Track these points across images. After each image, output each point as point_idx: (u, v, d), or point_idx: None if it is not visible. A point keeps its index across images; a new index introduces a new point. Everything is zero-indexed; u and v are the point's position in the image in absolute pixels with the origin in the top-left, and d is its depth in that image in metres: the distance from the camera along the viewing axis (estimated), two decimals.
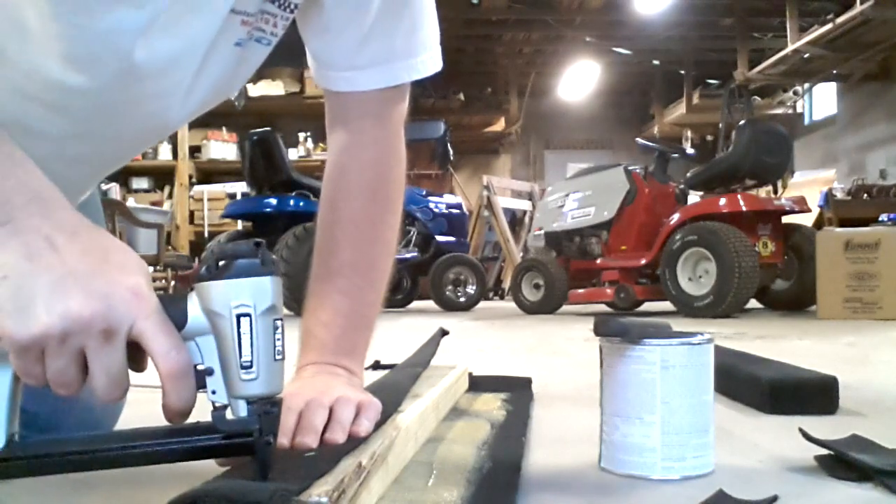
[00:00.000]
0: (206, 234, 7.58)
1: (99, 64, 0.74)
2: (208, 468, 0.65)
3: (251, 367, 0.55)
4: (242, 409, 0.56)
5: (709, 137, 11.55)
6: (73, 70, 0.74)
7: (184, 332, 0.56)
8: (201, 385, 0.56)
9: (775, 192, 4.80)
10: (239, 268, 0.55)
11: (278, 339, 0.56)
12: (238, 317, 0.54)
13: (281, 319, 0.57)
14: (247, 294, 0.54)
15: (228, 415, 0.57)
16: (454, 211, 6.08)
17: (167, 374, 0.54)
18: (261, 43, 0.82)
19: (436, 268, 5.71)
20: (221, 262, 0.55)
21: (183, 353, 0.55)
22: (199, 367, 0.56)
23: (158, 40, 0.73)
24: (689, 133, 11.82)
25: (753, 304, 4.47)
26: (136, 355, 0.55)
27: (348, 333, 0.86)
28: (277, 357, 0.56)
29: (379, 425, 0.74)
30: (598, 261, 4.91)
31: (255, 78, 8.14)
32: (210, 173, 8.33)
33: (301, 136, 8.26)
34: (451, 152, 10.12)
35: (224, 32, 0.77)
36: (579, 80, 11.57)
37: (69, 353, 0.53)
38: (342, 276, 0.87)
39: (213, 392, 0.56)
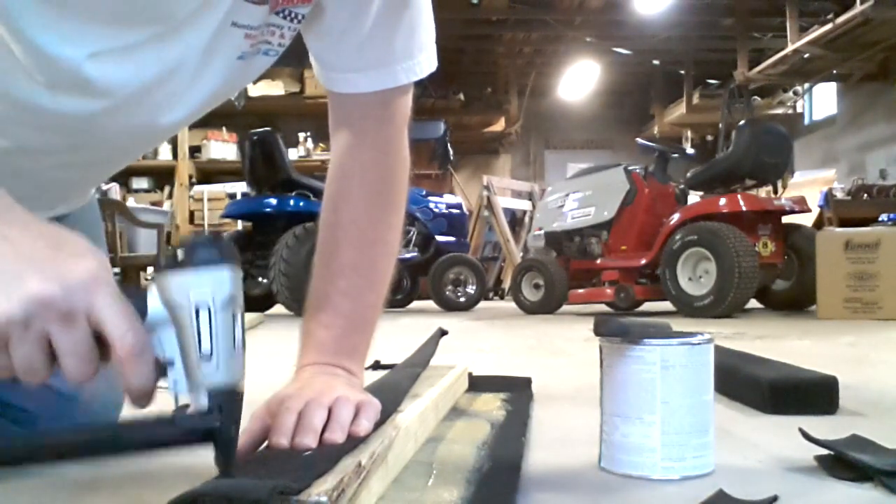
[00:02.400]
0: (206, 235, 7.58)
1: (85, 87, 0.74)
2: (207, 468, 0.65)
3: (211, 357, 0.55)
4: (203, 400, 0.55)
5: (709, 137, 11.55)
6: (61, 96, 0.75)
7: (145, 323, 0.56)
8: (162, 376, 0.56)
9: (775, 192, 4.79)
10: (198, 258, 0.55)
11: (237, 330, 0.56)
12: (197, 307, 0.54)
13: (241, 310, 0.57)
14: (206, 285, 0.55)
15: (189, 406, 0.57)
16: (454, 211, 6.08)
17: (125, 354, 0.53)
18: (268, 55, 0.82)
19: (436, 268, 5.71)
20: (181, 254, 0.56)
21: (140, 333, 0.54)
22: (160, 359, 0.56)
23: (138, 56, 0.73)
24: (689, 133, 11.82)
25: (753, 304, 4.47)
26: (99, 343, 0.55)
27: (348, 334, 0.86)
28: (237, 347, 0.56)
29: (378, 425, 0.74)
30: (598, 261, 4.90)
31: (255, 78, 8.13)
32: (210, 173, 8.33)
33: (301, 136, 8.27)
34: (451, 152, 10.12)
35: (225, 46, 0.77)
36: (579, 80, 11.57)
37: (33, 337, 0.52)
38: (343, 278, 0.87)
39: (175, 383, 0.56)
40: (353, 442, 0.68)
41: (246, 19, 0.76)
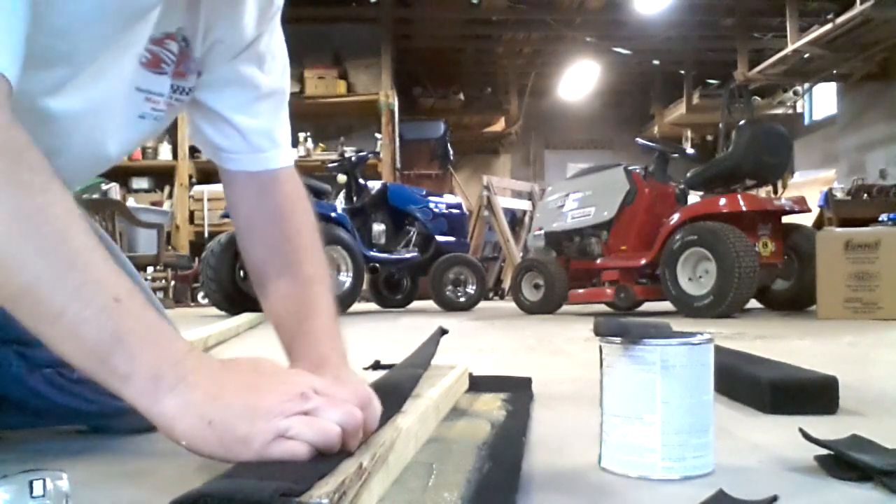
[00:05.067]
0: (206, 234, 7.59)
1: (41, 117, 0.83)
2: (208, 467, 0.65)
3: None
4: None
5: (709, 137, 11.56)
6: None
7: None
8: None
9: (775, 192, 4.80)
10: None
11: None
12: None
13: None
14: None
15: None
16: (454, 211, 6.08)
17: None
18: (159, 120, 0.96)
19: (436, 268, 5.71)
20: None
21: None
22: None
23: (72, 97, 0.84)
24: (689, 133, 11.83)
25: (753, 304, 4.47)
26: None
27: (335, 331, 0.94)
28: None
29: (380, 425, 0.74)
30: (598, 261, 4.90)
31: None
32: (210, 173, 8.31)
33: (301, 136, 8.27)
34: (451, 152, 10.10)
35: (131, 106, 0.91)
36: (579, 80, 11.57)
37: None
38: (315, 283, 1.00)
39: None
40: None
41: (147, 85, 0.90)
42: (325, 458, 0.62)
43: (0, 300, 0.62)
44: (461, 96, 10.90)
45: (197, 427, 0.61)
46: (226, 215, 6.05)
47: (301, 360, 0.90)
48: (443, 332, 1.37)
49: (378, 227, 5.71)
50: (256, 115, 1.03)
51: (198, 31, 0.93)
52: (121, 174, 7.99)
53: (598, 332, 0.83)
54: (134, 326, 0.63)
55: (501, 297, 8.24)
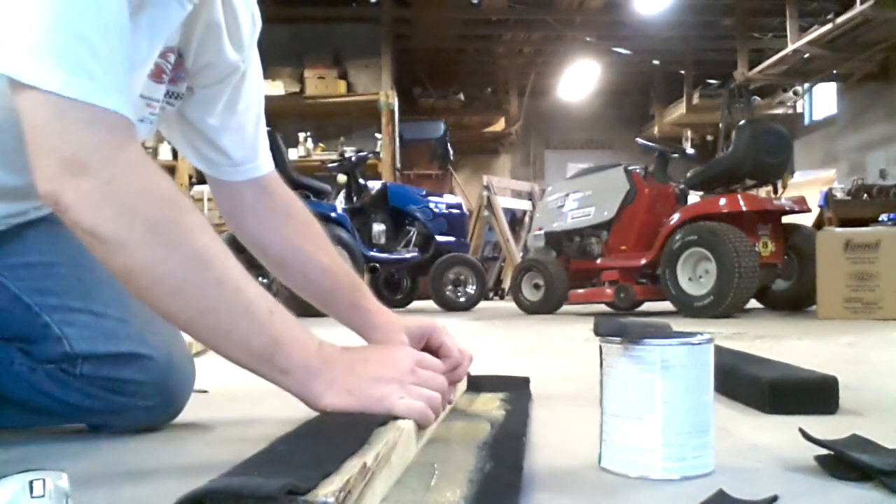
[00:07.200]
0: None
1: None
2: (208, 467, 0.65)
3: None
4: None
5: (709, 137, 11.56)
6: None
7: None
8: None
9: (775, 192, 4.80)
10: None
11: None
12: None
13: None
14: None
15: None
16: (454, 211, 6.08)
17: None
18: (151, 123, 1.05)
19: (436, 268, 5.71)
20: None
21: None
22: None
23: None
24: (689, 133, 11.82)
25: (753, 304, 4.47)
26: None
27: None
28: None
29: (380, 425, 0.75)
30: (598, 261, 4.91)
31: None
32: None
33: (301, 136, 8.26)
34: (451, 152, 10.09)
35: (136, 111, 1.00)
36: (579, 80, 11.57)
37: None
38: (343, 262, 1.23)
39: None
40: (359, 441, 0.68)
41: (149, 93, 1.01)
42: (330, 457, 0.62)
43: (176, 320, 0.79)
44: (461, 96, 10.90)
45: (340, 396, 0.81)
46: None
47: (375, 331, 1.12)
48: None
49: (378, 227, 5.72)
50: (241, 129, 1.14)
51: (191, 50, 1.04)
52: None
53: (598, 332, 0.83)
54: (286, 332, 0.81)
55: (501, 297, 8.24)
